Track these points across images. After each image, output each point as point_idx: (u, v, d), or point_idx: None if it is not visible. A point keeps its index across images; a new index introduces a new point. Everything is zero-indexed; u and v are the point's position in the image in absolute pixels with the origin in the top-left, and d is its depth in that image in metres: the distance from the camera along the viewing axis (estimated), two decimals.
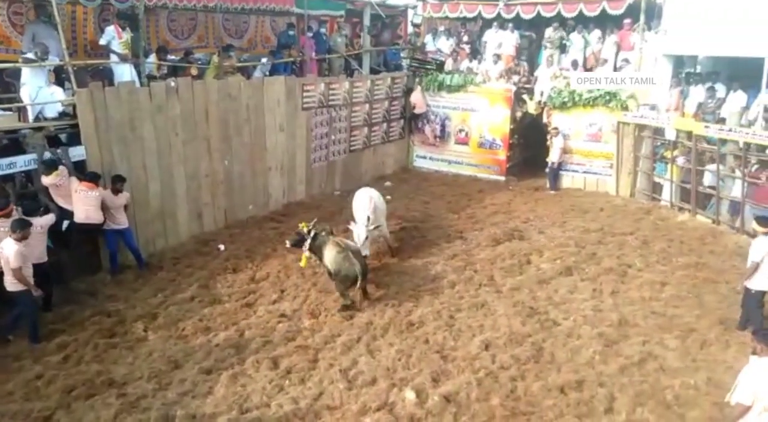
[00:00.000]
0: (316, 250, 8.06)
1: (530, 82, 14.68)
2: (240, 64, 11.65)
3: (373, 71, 14.69)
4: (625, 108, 12.77)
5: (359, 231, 8.73)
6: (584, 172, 13.81)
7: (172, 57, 10.53)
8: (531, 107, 14.45)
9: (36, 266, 7.05)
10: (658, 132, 12.24)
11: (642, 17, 12.99)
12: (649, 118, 12.37)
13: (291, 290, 8.37)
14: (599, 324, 7.36)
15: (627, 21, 13.54)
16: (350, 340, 6.97)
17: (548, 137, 13.71)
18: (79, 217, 8.04)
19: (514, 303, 7.96)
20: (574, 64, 13.91)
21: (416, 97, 15.05)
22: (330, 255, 7.84)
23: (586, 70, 13.92)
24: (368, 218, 8.78)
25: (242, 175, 11.03)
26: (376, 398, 5.81)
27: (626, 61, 13.47)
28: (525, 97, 14.56)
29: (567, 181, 13.98)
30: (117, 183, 8.41)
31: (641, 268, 9.04)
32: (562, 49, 14.57)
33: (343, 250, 7.75)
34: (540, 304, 7.94)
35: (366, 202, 9.16)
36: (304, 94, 12.00)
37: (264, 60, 12.32)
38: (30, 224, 6.85)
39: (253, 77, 11.61)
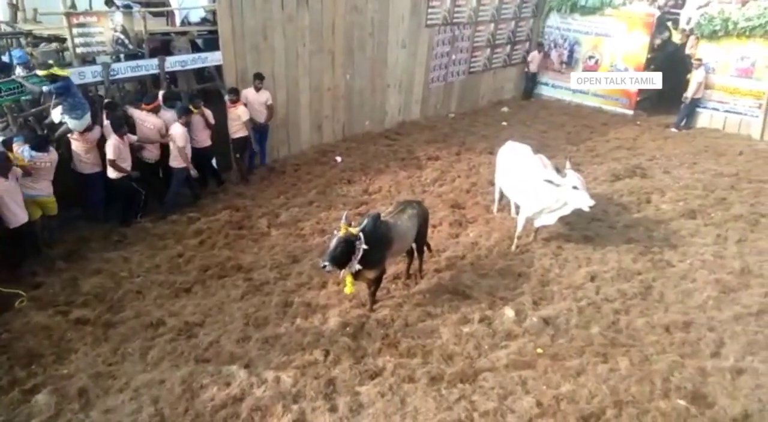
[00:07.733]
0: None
1: (678, 7, 13.26)
2: None
3: None
4: None
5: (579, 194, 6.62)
6: (726, 111, 12.60)
7: None
8: (675, 35, 13.14)
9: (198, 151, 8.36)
10: None
11: None
12: None
13: None
14: (718, 270, 6.99)
15: None
16: (455, 257, 7.20)
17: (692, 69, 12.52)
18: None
19: (627, 239, 7.73)
20: None
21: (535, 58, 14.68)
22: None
23: None
24: (558, 170, 6.79)
25: (362, 91, 11.25)
26: (477, 311, 6.06)
27: None
28: (669, 23, 13.23)
29: (704, 119, 12.85)
30: (256, 80, 8.96)
31: None
32: None
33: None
34: (655, 244, 7.64)
35: (541, 161, 7.37)
36: (429, 10, 11.77)
37: None
38: (191, 112, 8.00)
39: None
